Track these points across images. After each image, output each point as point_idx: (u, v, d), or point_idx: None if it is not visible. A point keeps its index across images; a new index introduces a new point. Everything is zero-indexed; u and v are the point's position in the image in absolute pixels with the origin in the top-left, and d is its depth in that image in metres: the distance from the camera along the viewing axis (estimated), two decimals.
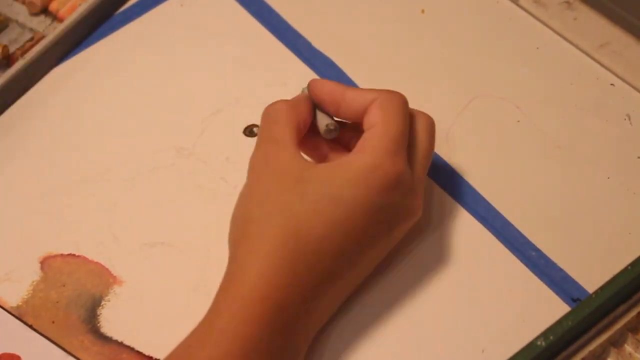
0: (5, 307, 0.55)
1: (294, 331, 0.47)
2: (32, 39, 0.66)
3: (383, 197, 0.48)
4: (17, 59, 0.64)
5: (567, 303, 0.53)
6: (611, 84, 0.61)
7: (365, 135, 0.50)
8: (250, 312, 0.46)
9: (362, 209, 0.48)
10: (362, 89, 0.52)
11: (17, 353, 0.53)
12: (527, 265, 0.54)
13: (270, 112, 0.52)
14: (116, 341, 0.53)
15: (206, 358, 0.45)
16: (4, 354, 0.53)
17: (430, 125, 0.53)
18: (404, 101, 0.52)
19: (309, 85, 0.54)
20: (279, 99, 0.53)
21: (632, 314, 0.52)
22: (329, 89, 0.52)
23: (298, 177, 0.48)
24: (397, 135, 0.50)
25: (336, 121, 0.53)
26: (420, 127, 0.52)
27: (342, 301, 0.51)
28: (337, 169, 0.49)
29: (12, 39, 0.66)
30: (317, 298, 0.48)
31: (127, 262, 0.56)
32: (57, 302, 0.55)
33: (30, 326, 0.54)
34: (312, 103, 0.53)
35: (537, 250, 0.54)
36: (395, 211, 0.50)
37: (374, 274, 0.54)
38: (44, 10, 0.67)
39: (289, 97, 0.53)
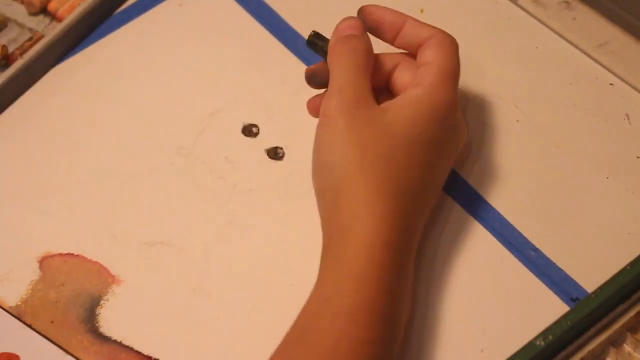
0: (4, 307, 0.55)
1: (408, 269, 0.49)
2: (31, 39, 0.66)
3: (449, 120, 0.52)
4: (16, 59, 0.64)
5: (567, 303, 0.53)
6: (610, 84, 0.61)
7: (422, 70, 0.52)
8: (379, 257, 0.47)
9: (435, 136, 0.51)
10: (420, 23, 0.54)
11: (16, 353, 0.53)
12: (526, 266, 0.54)
13: (349, 54, 0.53)
14: (115, 341, 0.53)
15: (349, 307, 0.46)
16: (3, 354, 0.53)
17: (452, 47, 0.54)
18: (457, 44, 0.54)
19: (364, 9, 0.55)
20: (277, 98, 0.53)
21: (632, 314, 0.52)
22: (390, 14, 0.54)
23: (384, 122, 0.50)
24: (452, 72, 0.53)
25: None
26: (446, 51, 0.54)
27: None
28: (411, 107, 0.51)
29: (11, 39, 0.66)
30: (418, 232, 0.51)
31: (126, 262, 0.56)
32: (56, 302, 0.55)
33: (29, 326, 0.54)
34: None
35: (537, 250, 0.54)
36: (455, 132, 0.53)
37: None
38: (43, 10, 0.67)
39: (289, 97, 0.53)
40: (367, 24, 0.54)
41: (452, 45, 0.53)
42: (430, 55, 0.53)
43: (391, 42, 0.55)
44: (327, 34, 0.55)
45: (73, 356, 0.53)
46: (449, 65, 0.52)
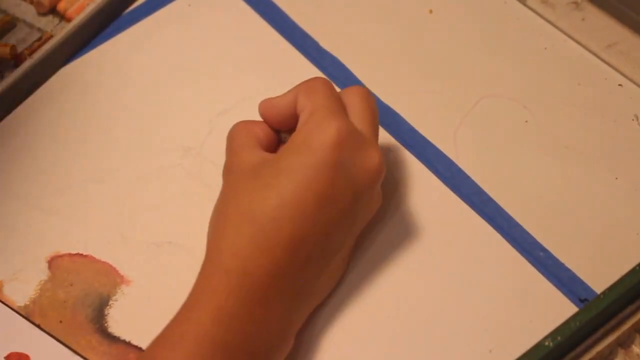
0: (13, 306, 0.55)
1: (268, 300, 0.48)
2: (40, 38, 0.66)
3: (331, 154, 0.48)
4: (25, 59, 0.64)
5: (575, 303, 0.53)
6: (619, 85, 0.61)
7: (300, 118, 0.51)
8: (216, 283, 0.47)
9: (311, 170, 0.48)
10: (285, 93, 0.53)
11: (26, 352, 0.53)
12: (534, 266, 0.54)
13: (229, 133, 0.53)
14: (123, 341, 0.53)
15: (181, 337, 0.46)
16: (13, 354, 0.53)
17: (362, 92, 0.53)
18: (323, 79, 0.52)
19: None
20: None
21: None
22: (261, 106, 0.54)
23: (255, 166, 0.50)
24: (325, 102, 0.50)
25: None
26: (352, 97, 0.52)
27: (326, 276, 0.51)
28: (284, 147, 0.50)
29: (20, 38, 0.66)
30: (288, 265, 0.48)
31: (135, 262, 0.56)
32: (65, 301, 0.55)
33: (38, 326, 0.54)
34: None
35: (545, 251, 0.54)
36: (351, 167, 0.49)
37: (379, 273, 0.54)
38: (52, 10, 0.67)
39: None
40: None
41: (317, 83, 0.51)
42: (300, 105, 0.51)
43: (278, 126, 0.53)
44: (335, 34, 0.55)
45: (82, 356, 0.53)
46: (318, 100, 0.50)
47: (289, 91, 0.52)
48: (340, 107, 0.50)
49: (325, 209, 0.48)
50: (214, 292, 0.47)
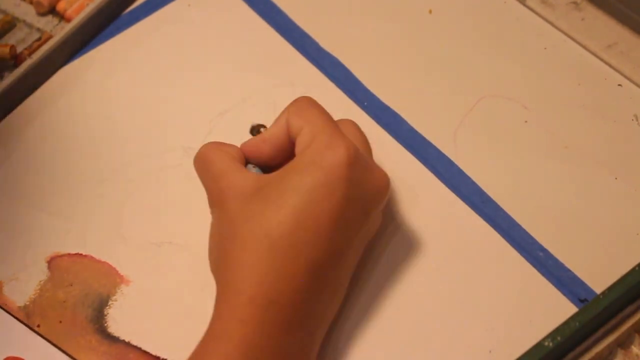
0: (13, 306, 0.55)
1: (291, 327, 0.47)
2: (39, 39, 0.66)
3: (344, 172, 0.47)
4: (24, 59, 0.64)
5: (575, 304, 0.53)
6: (619, 85, 0.61)
7: (297, 140, 0.50)
8: (240, 313, 0.46)
9: (324, 190, 0.47)
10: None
11: (22, 357, 0.53)
12: (534, 266, 0.54)
13: (199, 157, 0.52)
14: (123, 341, 0.53)
15: None
16: (9, 358, 0.53)
17: (354, 122, 0.53)
18: (308, 97, 0.52)
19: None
20: (285, 99, 0.53)
21: None
22: (248, 146, 0.52)
23: (255, 187, 0.48)
24: (323, 121, 0.49)
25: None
26: (345, 124, 0.52)
27: (338, 294, 0.50)
28: (288, 168, 0.49)
29: (19, 39, 0.66)
30: (308, 290, 0.47)
31: (135, 262, 0.56)
32: (65, 301, 0.55)
33: (35, 329, 0.54)
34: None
35: (545, 251, 0.54)
36: (362, 187, 0.49)
37: (379, 273, 0.54)
38: (52, 10, 0.67)
39: (295, 97, 0.53)
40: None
41: (305, 102, 0.51)
42: (294, 126, 0.50)
43: (274, 158, 0.53)
44: (335, 34, 0.55)
45: None
46: (314, 120, 0.49)
47: (275, 121, 0.52)
48: (338, 127, 0.50)
49: (339, 230, 0.48)
50: (241, 323, 0.46)
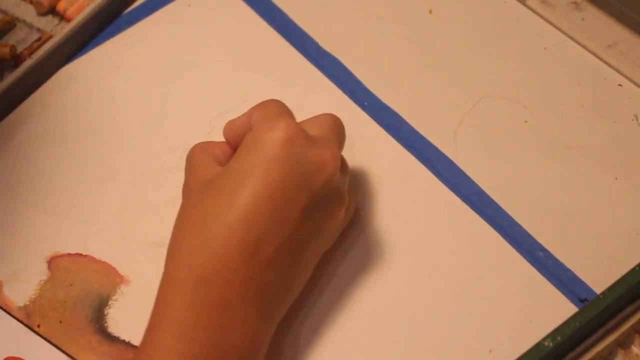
0: (13, 306, 0.55)
1: (230, 304, 0.47)
2: (39, 39, 0.66)
3: (279, 150, 0.48)
4: (24, 59, 0.64)
5: (575, 304, 0.53)
6: (619, 85, 0.61)
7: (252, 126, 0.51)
8: (171, 298, 0.47)
9: (262, 168, 0.48)
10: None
11: (21, 356, 0.53)
12: (534, 266, 0.54)
13: (188, 156, 0.54)
14: (123, 341, 0.53)
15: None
16: (9, 358, 0.53)
17: (331, 114, 0.53)
18: (276, 100, 0.52)
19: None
20: (286, 99, 0.53)
21: None
22: (224, 127, 0.54)
23: (208, 180, 0.50)
24: (273, 107, 0.51)
25: None
26: (320, 115, 0.53)
27: (292, 273, 0.50)
28: (236, 152, 0.50)
29: (19, 39, 0.66)
30: (248, 267, 0.47)
31: (135, 262, 0.56)
32: (65, 301, 0.55)
33: (35, 329, 0.54)
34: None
35: (545, 251, 0.54)
36: (302, 165, 0.49)
37: (378, 273, 0.54)
38: (52, 10, 0.67)
39: (297, 98, 0.53)
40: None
41: (268, 102, 0.52)
42: (254, 116, 0.51)
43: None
44: (335, 34, 0.55)
45: None
46: (266, 112, 0.51)
47: (246, 112, 0.53)
48: (289, 112, 0.51)
49: (280, 208, 0.48)
50: (171, 307, 0.47)
